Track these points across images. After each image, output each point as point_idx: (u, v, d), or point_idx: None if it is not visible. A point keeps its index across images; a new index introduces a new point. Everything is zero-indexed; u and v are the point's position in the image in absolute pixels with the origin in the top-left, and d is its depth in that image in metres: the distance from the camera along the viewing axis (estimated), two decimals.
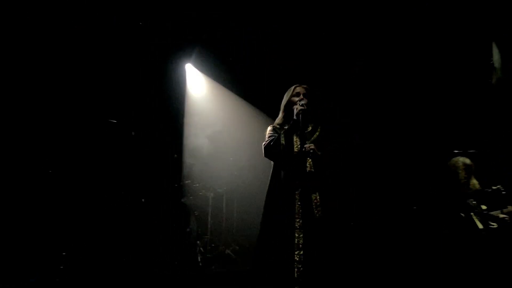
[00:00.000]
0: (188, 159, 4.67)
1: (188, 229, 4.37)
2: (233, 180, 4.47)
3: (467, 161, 3.44)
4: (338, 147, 2.34)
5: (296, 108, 2.16)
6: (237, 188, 4.53)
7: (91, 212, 3.83)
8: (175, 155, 4.53)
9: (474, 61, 3.75)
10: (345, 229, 3.74)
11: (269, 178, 2.20)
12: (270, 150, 2.17)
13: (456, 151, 3.46)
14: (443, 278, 3.18)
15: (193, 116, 4.78)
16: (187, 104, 4.78)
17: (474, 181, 3.50)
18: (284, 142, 2.13)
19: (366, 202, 4.15)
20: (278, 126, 2.31)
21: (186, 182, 4.51)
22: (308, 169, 2.09)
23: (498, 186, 3.37)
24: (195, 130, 4.75)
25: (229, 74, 4.86)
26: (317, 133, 2.22)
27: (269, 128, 2.31)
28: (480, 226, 3.34)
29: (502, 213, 3.28)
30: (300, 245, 1.90)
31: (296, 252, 1.89)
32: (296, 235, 1.93)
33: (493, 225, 3.31)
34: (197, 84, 4.86)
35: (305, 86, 2.31)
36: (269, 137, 2.24)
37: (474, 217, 3.35)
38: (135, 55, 4.41)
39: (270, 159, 2.26)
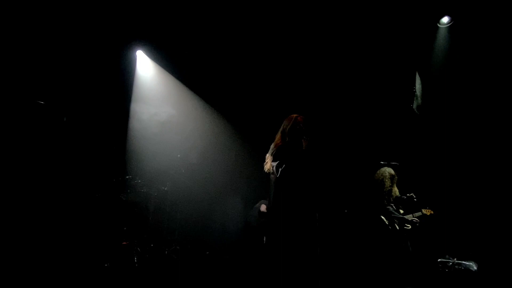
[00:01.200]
0: (130, 152, 4.32)
1: (124, 228, 4.04)
2: (180, 179, 4.29)
3: (392, 171, 4.01)
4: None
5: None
6: (184, 187, 4.36)
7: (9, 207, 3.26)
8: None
9: (400, 89, 4.42)
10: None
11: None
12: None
13: (382, 162, 4.02)
14: (367, 270, 3.63)
15: (140, 104, 4.43)
16: (135, 91, 4.43)
17: (395, 189, 4.10)
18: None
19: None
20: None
21: (127, 177, 4.17)
22: None
23: (412, 194, 4.03)
24: (141, 121, 4.42)
25: (182, 67, 4.70)
26: None
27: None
28: (398, 227, 3.92)
29: (414, 216, 3.91)
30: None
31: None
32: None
33: (407, 227, 3.92)
34: (147, 72, 4.56)
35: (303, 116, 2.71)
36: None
37: (394, 220, 3.93)
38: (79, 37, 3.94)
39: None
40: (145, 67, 4.61)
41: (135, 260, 3.77)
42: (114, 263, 3.59)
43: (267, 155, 2.62)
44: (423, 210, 3.75)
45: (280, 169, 2.41)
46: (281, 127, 2.67)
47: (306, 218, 2.46)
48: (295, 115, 2.68)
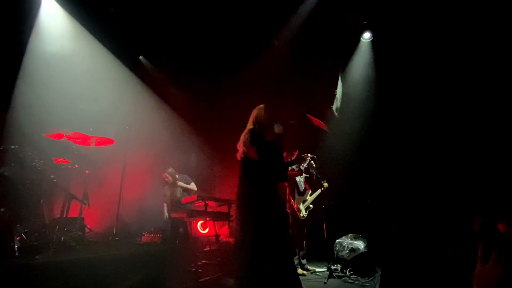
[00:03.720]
0: (19, 112, 3.35)
1: (2, 209, 3.22)
2: (88, 155, 3.60)
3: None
4: None
5: None
6: (92, 166, 3.70)
7: None
8: None
9: (325, 91, 4.87)
10: None
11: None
12: None
13: (303, 155, 4.37)
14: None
15: (38, 55, 3.46)
16: (33, 38, 3.43)
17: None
18: None
19: None
20: None
21: (12, 147, 3.30)
22: None
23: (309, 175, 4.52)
24: (39, 67, 3.45)
25: (96, 18, 3.94)
26: None
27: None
28: (304, 212, 4.37)
29: (322, 190, 4.40)
30: None
31: None
32: None
33: (310, 207, 4.42)
34: (53, 18, 3.62)
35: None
36: None
37: (301, 206, 4.37)
38: None
39: None
40: (51, 11, 3.65)
41: (16, 248, 3.04)
42: None
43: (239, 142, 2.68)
44: (323, 182, 4.28)
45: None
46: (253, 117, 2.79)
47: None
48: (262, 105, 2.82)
